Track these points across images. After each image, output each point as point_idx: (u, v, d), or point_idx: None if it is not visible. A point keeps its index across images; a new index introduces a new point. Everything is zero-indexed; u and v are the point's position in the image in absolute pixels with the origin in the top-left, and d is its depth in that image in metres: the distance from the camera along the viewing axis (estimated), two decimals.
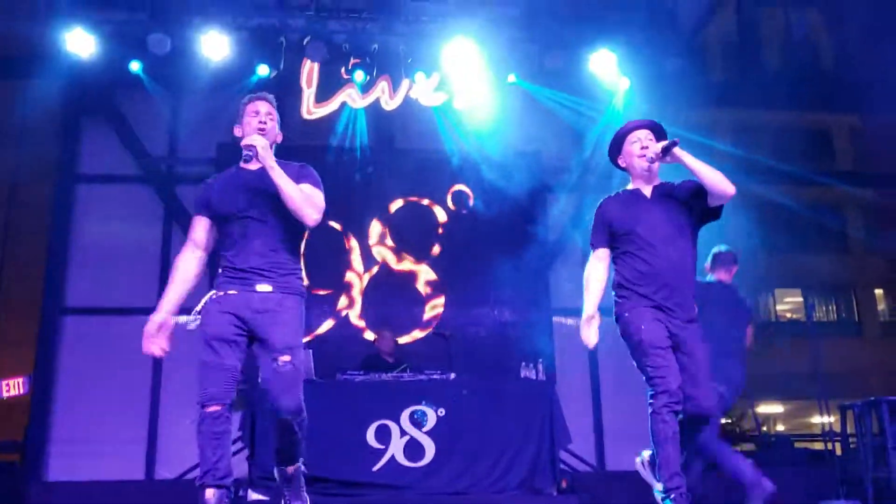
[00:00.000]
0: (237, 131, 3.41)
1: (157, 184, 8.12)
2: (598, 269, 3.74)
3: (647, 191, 3.65)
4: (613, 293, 3.79)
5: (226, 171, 3.49)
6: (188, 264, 3.36)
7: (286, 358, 3.17)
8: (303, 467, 3.42)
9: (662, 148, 3.47)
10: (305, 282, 3.45)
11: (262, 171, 3.24)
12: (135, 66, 7.58)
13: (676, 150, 3.45)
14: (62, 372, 7.57)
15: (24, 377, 7.33)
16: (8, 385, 7.14)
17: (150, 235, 7.99)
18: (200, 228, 3.36)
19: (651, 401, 3.41)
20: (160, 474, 7.29)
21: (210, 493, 3.10)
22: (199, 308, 3.31)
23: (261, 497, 5.49)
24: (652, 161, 3.54)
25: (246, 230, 3.26)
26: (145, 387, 7.49)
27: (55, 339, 7.63)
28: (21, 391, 7.26)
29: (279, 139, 3.47)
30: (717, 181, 3.38)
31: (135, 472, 7.20)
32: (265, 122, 3.37)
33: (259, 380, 3.24)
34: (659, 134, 3.67)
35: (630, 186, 3.75)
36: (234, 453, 6.66)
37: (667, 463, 3.31)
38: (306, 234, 3.43)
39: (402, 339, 7.82)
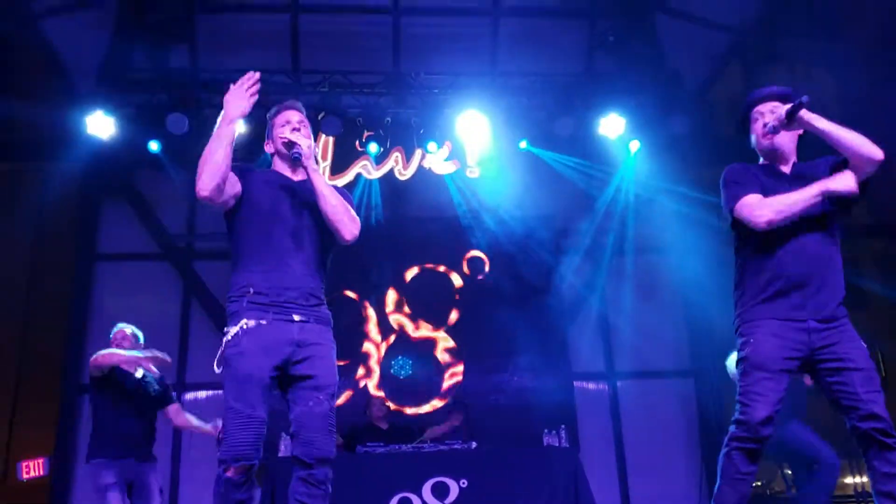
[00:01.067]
0: (268, 147, 3.17)
1: (176, 260, 8.22)
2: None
3: (786, 169, 3.10)
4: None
5: (264, 170, 3.17)
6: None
7: (329, 397, 2.85)
8: None
9: (786, 112, 2.92)
10: None
11: (305, 183, 2.99)
12: (154, 146, 7.74)
13: (804, 114, 2.90)
14: (82, 452, 7.52)
15: (44, 458, 7.28)
16: (28, 466, 7.09)
17: (170, 311, 8.05)
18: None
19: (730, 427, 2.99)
20: None
21: None
22: (228, 337, 2.82)
23: None
24: (775, 131, 2.99)
25: (283, 242, 2.93)
26: (165, 463, 7.43)
27: (74, 418, 7.61)
28: (41, 472, 7.20)
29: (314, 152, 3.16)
30: (859, 145, 2.86)
31: None
32: (299, 129, 3.10)
33: (291, 427, 2.86)
34: (788, 103, 3.05)
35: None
36: None
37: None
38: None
39: (423, 409, 7.76)
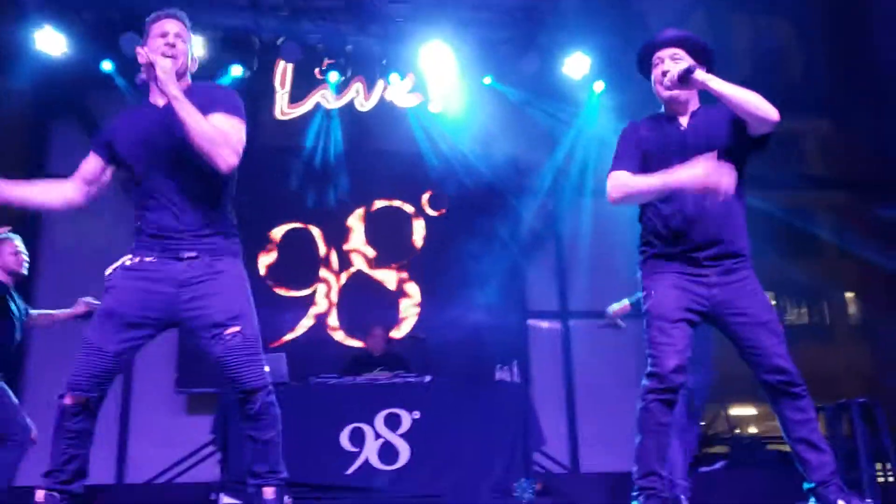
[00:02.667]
0: (140, 56, 2.82)
1: (128, 185, 8.01)
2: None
3: (683, 120, 3.07)
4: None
5: (134, 108, 3.08)
6: (59, 184, 3.05)
7: (234, 329, 2.78)
8: (286, 494, 2.92)
9: (678, 75, 2.92)
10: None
11: (171, 107, 2.70)
12: (107, 65, 7.48)
13: (697, 76, 2.89)
14: (30, 373, 7.44)
15: None
16: None
17: (122, 238, 7.85)
18: (89, 163, 3.01)
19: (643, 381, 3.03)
20: (130, 478, 7.19)
21: (40, 494, 2.71)
22: (109, 272, 2.83)
23: (233, 501, 5.43)
24: (669, 89, 2.98)
25: (157, 184, 2.84)
26: (115, 390, 7.37)
27: (23, 340, 7.48)
28: None
29: (193, 68, 2.96)
30: (754, 106, 2.82)
31: (105, 477, 7.10)
32: (174, 45, 2.84)
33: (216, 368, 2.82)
34: (692, 49, 3.06)
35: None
36: (206, 457, 6.67)
37: (640, 457, 2.99)
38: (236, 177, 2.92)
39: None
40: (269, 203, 7.93)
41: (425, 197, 8.38)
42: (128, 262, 2.84)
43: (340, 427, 5.70)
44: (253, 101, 8.15)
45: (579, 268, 8.17)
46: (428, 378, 6.09)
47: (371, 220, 8.31)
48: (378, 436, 5.72)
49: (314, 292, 8.03)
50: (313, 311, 7.97)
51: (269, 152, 8.06)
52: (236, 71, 7.64)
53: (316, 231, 8.18)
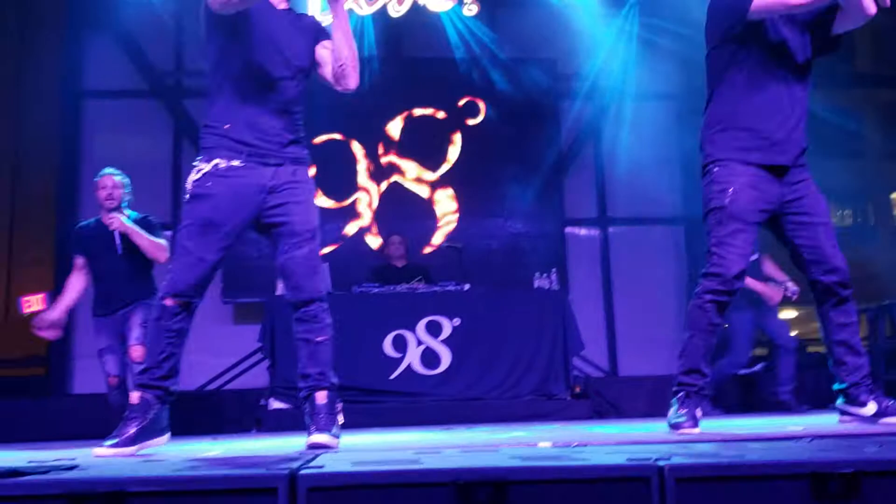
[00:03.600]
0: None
1: (166, 98, 8.03)
2: None
3: None
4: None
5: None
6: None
7: (310, 240, 2.88)
8: (338, 399, 2.98)
9: None
10: None
11: (300, 17, 3.10)
12: None
13: None
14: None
15: (44, 294, 7.42)
16: (28, 302, 7.20)
17: (161, 150, 7.96)
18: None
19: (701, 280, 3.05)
20: (183, 385, 7.45)
21: (135, 396, 2.84)
22: (196, 177, 2.83)
23: (282, 405, 5.64)
24: None
25: (267, 77, 2.93)
26: None
27: (71, 256, 7.69)
28: (41, 307, 7.35)
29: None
30: None
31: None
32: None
33: (278, 271, 2.93)
34: None
35: None
36: (254, 364, 6.88)
37: (687, 354, 3.01)
38: None
39: (420, 252, 7.87)
40: (305, 114, 7.89)
41: (461, 105, 8.27)
42: (222, 165, 2.80)
43: (383, 334, 5.85)
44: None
45: (619, 174, 8.07)
46: (467, 286, 6.18)
47: (407, 130, 8.25)
48: (420, 342, 5.86)
49: (354, 203, 8.08)
50: (353, 221, 8.03)
51: None
52: None
53: (353, 142, 8.16)
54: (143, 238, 4.72)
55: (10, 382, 7.27)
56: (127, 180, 4.96)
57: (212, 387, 7.04)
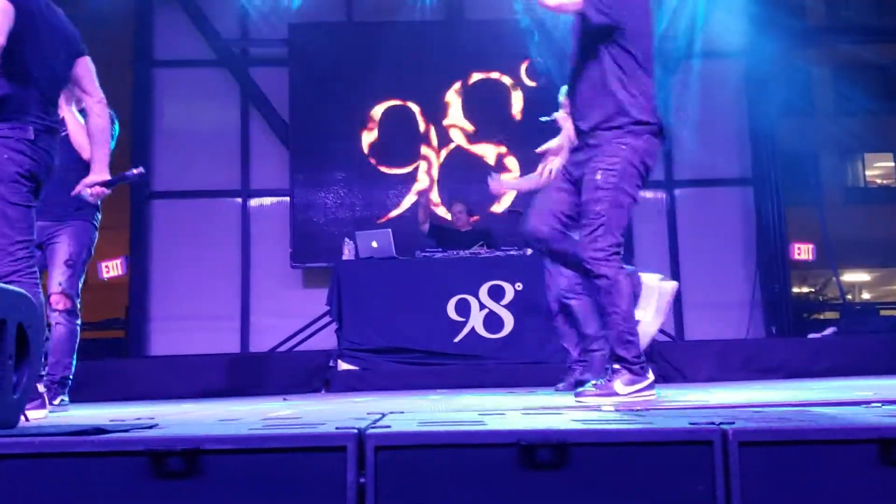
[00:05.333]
0: None
1: (232, 67, 8.17)
2: None
3: None
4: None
5: None
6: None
7: None
8: None
9: None
10: None
11: None
12: None
13: None
14: (155, 253, 7.94)
15: (122, 259, 7.71)
16: (107, 267, 7.53)
17: (228, 118, 8.12)
18: None
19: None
20: (254, 347, 7.69)
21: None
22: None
23: (349, 367, 5.77)
24: None
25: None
26: (235, 265, 7.80)
27: (146, 222, 7.97)
28: (120, 272, 7.66)
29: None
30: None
31: (230, 346, 7.62)
32: None
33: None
34: None
35: None
36: (323, 327, 7.04)
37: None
38: None
39: (476, 217, 7.88)
40: (367, 81, 7.94)
41: (523, 67, 8.18)
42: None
43: (447, 298, 5.91)
44: None
45: (685, 134, 7.90)
46: (529, 251, 6.17)
47: (468, 94, 8.21)
48: (483, 306, 5.90)
49: (416, 169, 8.11)
50: (415, 187, 8.08)
51: (365, 29, 8.02)
52: None
53: (415, 107, 8.17)
54: None
55: (91, 344, 7.59)
56: None
57: (282, 349, 7.24)
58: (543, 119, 4.44)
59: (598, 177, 2.90)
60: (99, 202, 3.50)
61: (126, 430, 1.63)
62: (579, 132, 3.06)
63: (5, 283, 2.64)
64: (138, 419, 2.26)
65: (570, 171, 3.08)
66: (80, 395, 5.12)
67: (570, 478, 1.47)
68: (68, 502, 1.46)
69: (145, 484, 1.46)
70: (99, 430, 1.60)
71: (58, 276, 3.59)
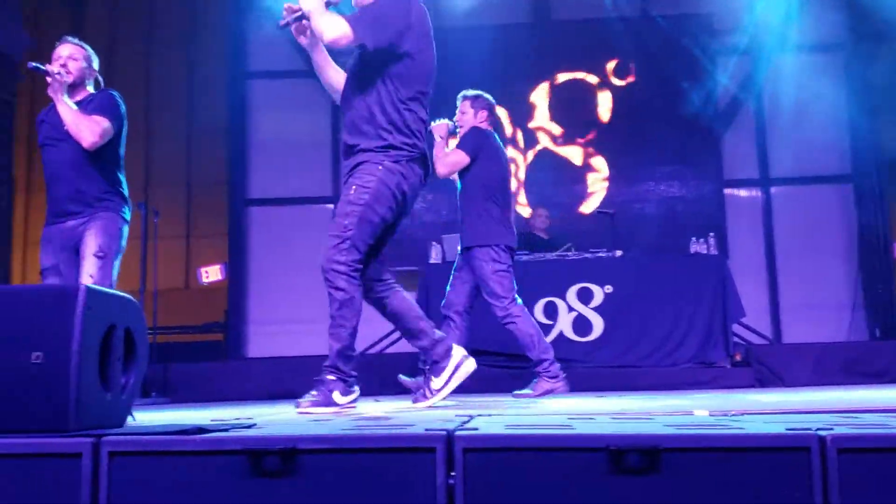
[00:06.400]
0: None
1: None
2: None
3: None
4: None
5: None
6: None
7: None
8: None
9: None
10: None
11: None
12: None
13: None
14: (252, 259, 8.20)
15: (221, 265, 8.01)
16: (207, 272, 7.84)
17: (320, 126, 8.31)
18: None
19: None
20: None
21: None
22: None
23: None
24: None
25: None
26: None
27: (243, 229, 8.24)
28: (219, 277, 7.95)
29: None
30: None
31: (325, 348, 7.76)
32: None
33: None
34: None
35: None
36: None
37: None
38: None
39: (564, 219, 7.82)
40: (452, 85, 7.98)
41: (610, 66, 8.09)
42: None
43: (534, 301, 5.88)
44: None
45: (781, 131, 7.65)
46: (619, 253, 6.09)
47: (555, 95, 8.17)
48: (571, 309, 5.86)
49: None
50: None
51: (450, 34, 8.06)
52: None
53: (501, 111, 8.17)
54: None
55: (191, 347, 7.91)
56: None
57: (373, 351, 7.35)
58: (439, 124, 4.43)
59: (353, 192, 2.98)
60: (126, 193, 3.60)
61: (226, 430, 1.70)
62: (345, 146, 3.13)
63: None
64: (237, 419, 2.35)
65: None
66: (181, 396, 5.34)
67: (661, 484, 1.46)
68: (172, 498, 1.53)
69: (244, 482, 1.52)
70: (200, 429, 1.67)
71: (88, 269, 3.38)
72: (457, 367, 3.16)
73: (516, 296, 4.41)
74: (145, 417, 2.81)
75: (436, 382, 3.14)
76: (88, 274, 3.36)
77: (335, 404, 2.94)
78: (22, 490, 1.55)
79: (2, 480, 1.56)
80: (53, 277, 3.46)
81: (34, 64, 3.40)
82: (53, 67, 3.42)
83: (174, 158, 8.67)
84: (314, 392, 2.97)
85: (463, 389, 4.96)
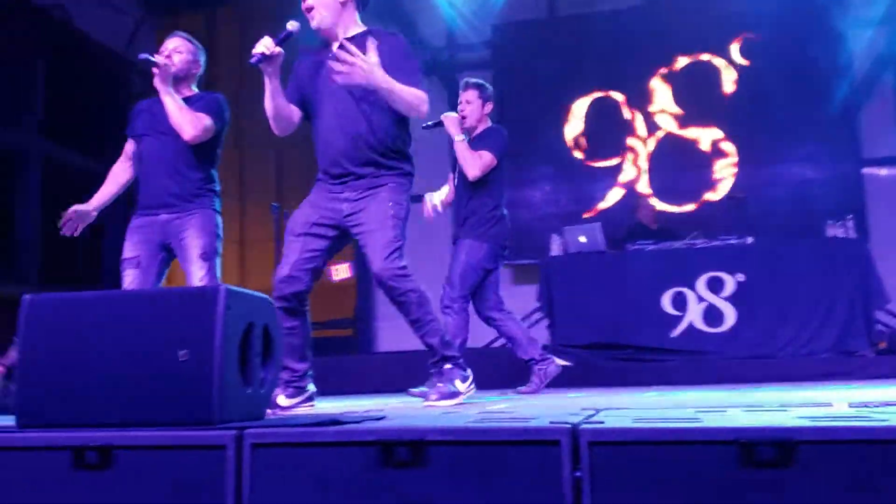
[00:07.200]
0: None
1: (440, 73, 8.45)
2: None
3: (335, 46, 3.09)
4: None
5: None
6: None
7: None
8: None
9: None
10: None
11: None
12: None
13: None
14: None
15: (349, 263, 8.25)
16: (336, 270, 8.09)
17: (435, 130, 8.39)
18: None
19: None
20: (470, 342, 7.89)
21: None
22: None
23: (562, 363, 5.78)
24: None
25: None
26: (444, 262, 8.06)
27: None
28: (348, 275, 8.20)
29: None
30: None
31: None
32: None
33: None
34: None
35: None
36: (535, 322, 7.11)
37: None
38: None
39: (691, 206, 7.61)
40: (569, 75, 7.93)
41: (735, 44, 7.78)
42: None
43: (661, 292, 5.75)
44: None
45: None
46: (750, 239, 5.87)
47: (676, 78, 7.94)
48: (701, 299, 5.69)
49: (622, 160, 7.97)
50: (622, 178, 7.94)
51: (566, 23, 8.00)
52: None
53: (619, 96, 8.03)
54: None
55: (322, 342, 8.16)
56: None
57: (496, 345, 7.39)
58: (427, 125, 4.29)
59: (390, 206, 3.12)
60: (219, 189, 3.67)
61: (358, 422, 1.77)
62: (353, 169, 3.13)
63: None
64: (368, 411, 2.43)
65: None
66: (320, 390, 5.52)
67: (795, 478, 1.41)
68: (309, 486, 1.61)
69: (375, 471, 1.58)
70: (334, 421, 1.75)
71: (197, 273, 3.45)
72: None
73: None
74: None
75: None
76: (198, 278, 3.44)
77: (459, 393, 3.02)
78: (170, 480, 1.67)
79: (152, 470, 1.69)
80: (132, 269, 3.49)
81: (144, 56, 3.47)
82: (160, 58, 3.50)
83: (305, 162, 8.96)
84: (439, 384, 3.03)
85: (592, 384, 4.92)
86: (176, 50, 3.63)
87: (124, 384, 1.86)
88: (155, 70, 3.47)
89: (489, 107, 4.57)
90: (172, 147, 3.50)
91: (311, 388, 3.18)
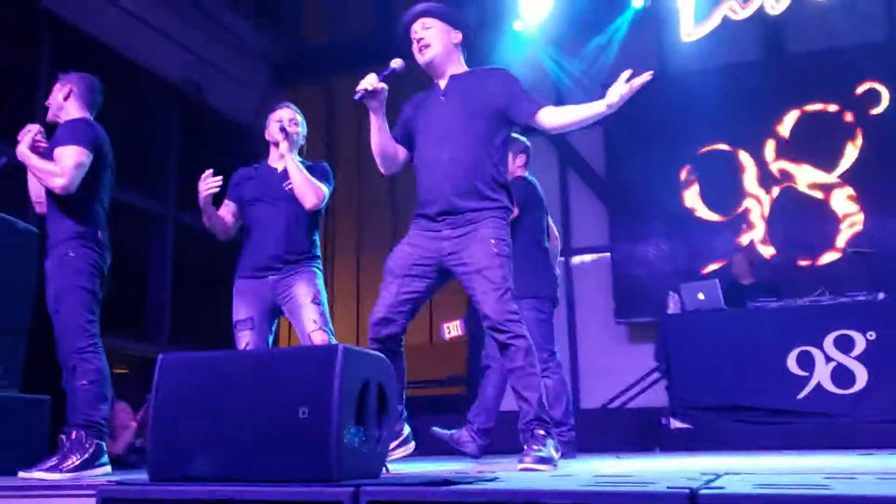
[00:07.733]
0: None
1: (551, 134, 8.49)
2: None
3: (443, 84, 3.19)
4: None
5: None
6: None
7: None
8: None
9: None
10: None
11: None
12: None
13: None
14: None
15: (461, 320, 8.32)
16: (448, 328, 8.17)
17: (549, 180, 8.42)
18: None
19: None
20: (584, 404, 7.77)
21: None
22: None
23: (682, 425, 5.60)
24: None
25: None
26: (561, 323, 8.01)
27: None
28: (460, 332, 8.26)
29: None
30: None
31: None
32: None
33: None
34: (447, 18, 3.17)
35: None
36: (652, 383, 6.93)
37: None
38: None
39: (818, 261, 7.29)
40: (683, 128, 7.82)
41: (859, 94, 7.49)
42: None
43: (786, 351, 5.52)
44: (654, 28, 8.09)
45: None
46: (882, 295, 5.56)
47: (797, 130, 7.69)
48: (829, 359, 5.41)
49: (740, 214, 7.75)
50: (745, 233, 7.70)
51: (675, 79, 7.92)
52: (637, 2, 7.74)
53: (736, 150, 7.85)
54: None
55: (435, 400, 8.23)
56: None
57: (612, 406, 7.24)
58: None
59: (493, 243, 2.99)
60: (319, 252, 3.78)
61: (470, 483, 1.78)
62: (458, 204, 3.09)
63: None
64: (480, 472, 2.43)
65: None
66: (428, 448, 5.56)
67: None
68: None
69: None
70: (447, 481, 1.77)
71: (310, 315, 3.54)
72: None
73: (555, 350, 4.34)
74: (395, 468, 2.99)
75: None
76: (312, 320, 3.52)
77: (554, 460, 2.88)
78: None
79: None
80: (247, 330, 3.58)
81: (281, 126, 3.73)
82: (291, 128, 3.71)
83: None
84: (534, 447, 2.89)
85: (714, 447, 4.74)
86: (293, 121, 3.80)
87: (248, 440, 1.95)
88: (281, 136, 3.67)
89: (521, 158, 4.57)
90: (286, 213, 3.64)
91: (407, 429, 3.15)
